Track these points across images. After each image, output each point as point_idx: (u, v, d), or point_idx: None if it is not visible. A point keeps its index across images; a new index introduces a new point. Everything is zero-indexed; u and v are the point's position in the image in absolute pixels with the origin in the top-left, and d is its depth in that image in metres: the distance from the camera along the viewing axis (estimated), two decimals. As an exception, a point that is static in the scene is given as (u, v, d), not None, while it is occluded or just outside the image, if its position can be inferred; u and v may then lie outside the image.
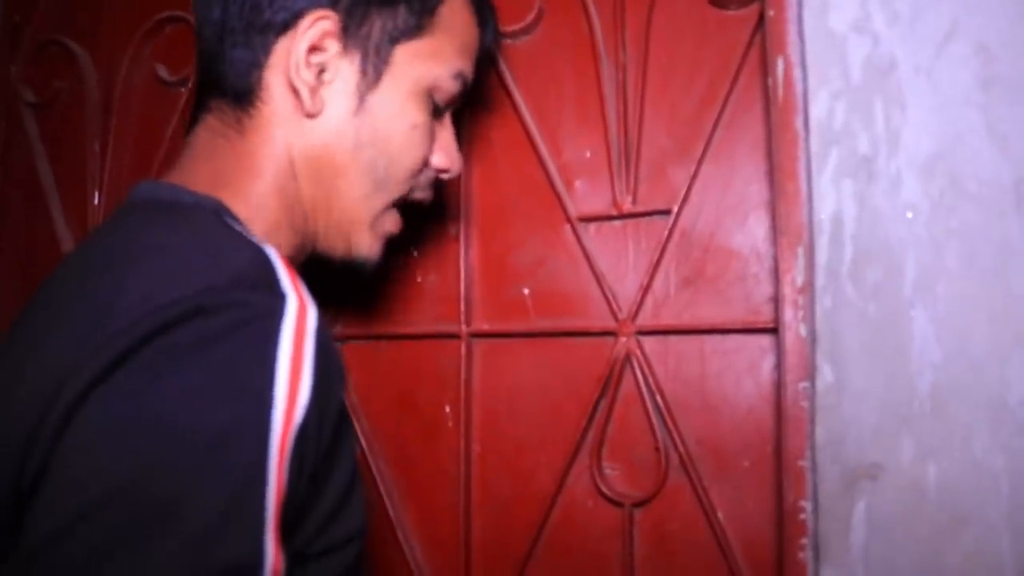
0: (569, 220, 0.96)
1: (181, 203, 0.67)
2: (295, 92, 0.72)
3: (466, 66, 0.81)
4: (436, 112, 0.80)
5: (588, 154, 0.96)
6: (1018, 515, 0.70)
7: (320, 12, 0.72)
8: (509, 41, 1.01)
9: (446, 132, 0.84)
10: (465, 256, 1.01)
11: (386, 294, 1.06)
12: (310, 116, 0.73)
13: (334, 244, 0.79)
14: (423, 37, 0.76)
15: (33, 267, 1.28)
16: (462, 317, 1.00)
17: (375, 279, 1.04)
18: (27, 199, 1.29)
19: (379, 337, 1.06)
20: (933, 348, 0.74)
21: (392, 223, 0.82)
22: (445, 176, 0.85)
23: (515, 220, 1.00)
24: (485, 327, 1.00)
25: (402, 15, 0.75)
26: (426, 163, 0.81)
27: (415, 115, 0.77)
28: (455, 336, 1.00)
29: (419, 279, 1.04)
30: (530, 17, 0.99)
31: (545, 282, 0.97)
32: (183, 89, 1.18)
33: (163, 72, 1.20)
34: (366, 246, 0.80)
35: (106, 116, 1.23)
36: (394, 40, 0.75)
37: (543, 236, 0.98)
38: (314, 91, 0.72)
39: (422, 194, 0.84)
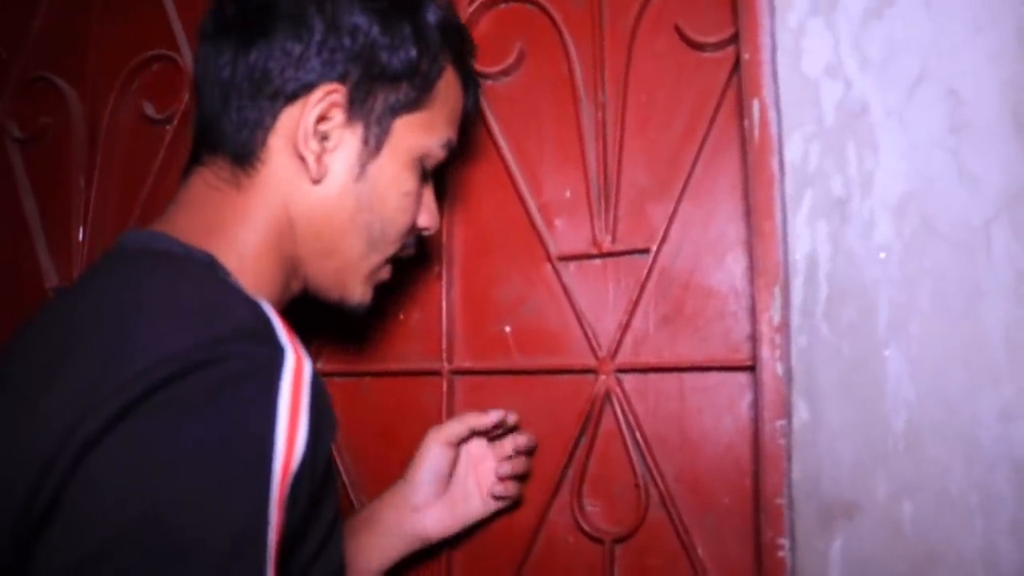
0: (549, 259, 0.97)
1: (173, 254, 0.69)
2: (300, 158, 0.75)
3: (454, 134, 0.86)
4: (423, 177, 0.84)
5: (568, 193, 0.98)
6: (992, 552, 0.71)
7: (331, 85, 0.75)
8: (491, 82, 1.03)
9: (429, 193, 0.88)
10: (447, 294, 1.02)
11: (369, 331, 1.06)
12: (315, 182, 0.76)
13: (329, 291, 0.83)
14: (421, 110, 0.80)
15: (17, 301, 1.28)
16: (444, 354, 1.01)
17: (359, 316, 1.05)
18: (12, 234, 1.30)
19: (362, 374, 1.06)
20: (907, 387, 0.75)
21: (384, 272, 0.87)
22: (426, 233, 0.89)
23: (496, 259, 1.01)
24: (467, 364, 1.01)
25: (404, 90, 0.79)
26: (415, 225, 0.85)
27: (409, 183, 0.81)
28: (437, 373, 1.01)
29: (402, 316, 1.05)
30: (511, 58, 1.01)
31: (526, 320, 0.98)
32: (168, 127, 1.19)
33: (149, 109, 1.21)
34: (359, 294, 0.85)
35: (92, 152, 1.24)
36: (395, 113, 0.79)
37: (524, 275, 0.99)
38: (319, 158, 0.75)
39: (408, 250, 0.88)
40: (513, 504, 0.96)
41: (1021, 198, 0.72)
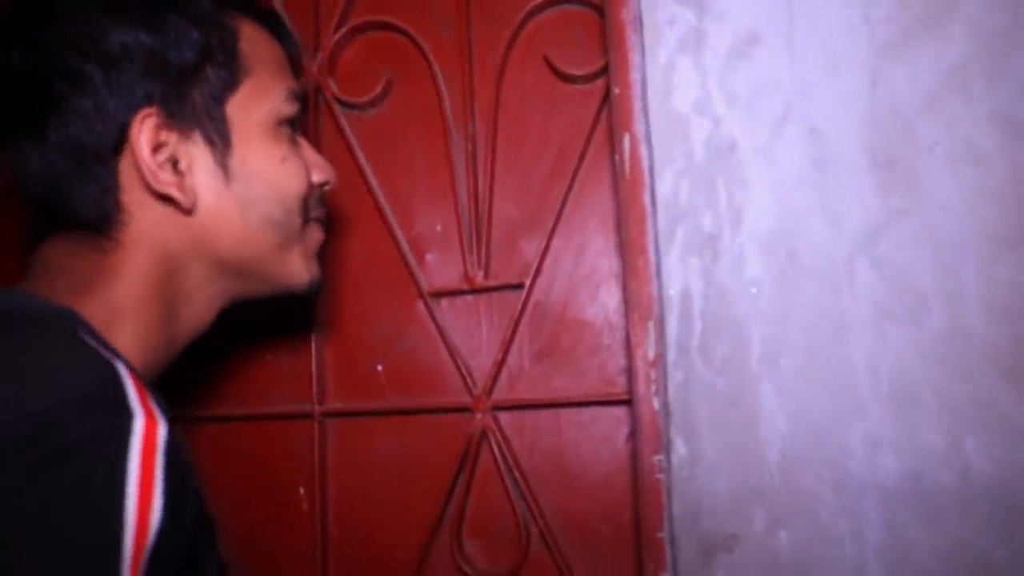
0: (421, 295, 0.95)
1: (28, 314, 0.63)
2: (163, 198, 0.70)
3: (291, 82, 0.81)
4: (291, 137, 0.80)
5: (439, 227, 0.96)
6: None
7: (141, 112, 0.69)
8: (358, 112, 1.00)
9: (307, 150, 0.83)
10: (317, 333, 0.98)
11: (235, 373, 1.01)
12: (189, 211, 0.71)
13: (275, 291, 0.81)
14: (243, 82, 0.75)
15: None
16: (314, 396, 0.97)
17: (224, 358, 1.00)
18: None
19: (228, 419, 1.01)
20: (780, 419, 0.76)
21: (316, 236, 0.84)
22: (327, 188, 0.85)
23: (367, 295, 0.98)
24: (338, 406, 0.97)
25: (213, 75, 0.73)
26: (310, 185, 0.81)
27: (279, 150, 0.77)
28: (308, 416, 0.97)
29: (270, 358, 1.01)
30: (378, 89, 0.98)
31: (399, 358, 0.96)
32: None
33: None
34: (306, 274, 0.82)
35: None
36: (219, 100, 0.74)
37: (395, 311, 0.97)
38: (181, 187, 0.70)
39: (318, 211, 0.84)
40: (391, 548, 0.93)
41: (878, 234, 0.75)
